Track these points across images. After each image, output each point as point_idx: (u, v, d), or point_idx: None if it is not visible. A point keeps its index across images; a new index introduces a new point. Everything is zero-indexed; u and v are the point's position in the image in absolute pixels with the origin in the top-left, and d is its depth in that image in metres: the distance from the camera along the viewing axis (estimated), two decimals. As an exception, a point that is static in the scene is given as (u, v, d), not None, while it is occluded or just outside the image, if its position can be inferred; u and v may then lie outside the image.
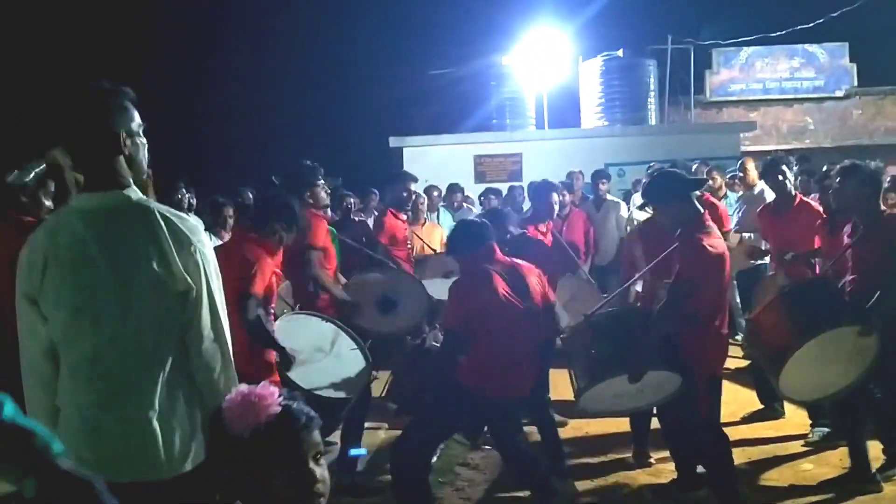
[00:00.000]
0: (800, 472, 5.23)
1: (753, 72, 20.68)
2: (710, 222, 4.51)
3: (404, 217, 7.06)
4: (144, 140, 2.47)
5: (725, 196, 9.09)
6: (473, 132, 14.61)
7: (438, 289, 5.49)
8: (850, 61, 20.55)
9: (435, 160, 13.31)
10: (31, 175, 3.99)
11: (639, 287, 5.87)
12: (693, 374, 4.31)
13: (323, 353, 4.62)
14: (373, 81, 21.82)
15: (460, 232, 4.70)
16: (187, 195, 7.21)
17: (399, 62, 20.76)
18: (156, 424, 2.33)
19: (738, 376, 7.29)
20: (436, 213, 9.49)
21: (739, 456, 5.27)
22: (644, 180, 5.92)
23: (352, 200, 8.87)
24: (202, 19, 22.21)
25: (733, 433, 5.61)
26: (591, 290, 6.52)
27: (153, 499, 2.31)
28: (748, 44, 20.29)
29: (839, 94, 20.57)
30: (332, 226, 6.58)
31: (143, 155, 2.48)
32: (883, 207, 4.87)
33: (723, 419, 5.19)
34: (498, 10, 20.65)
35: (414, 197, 7.80)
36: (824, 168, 6.41)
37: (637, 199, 8.91)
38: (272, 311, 4.46)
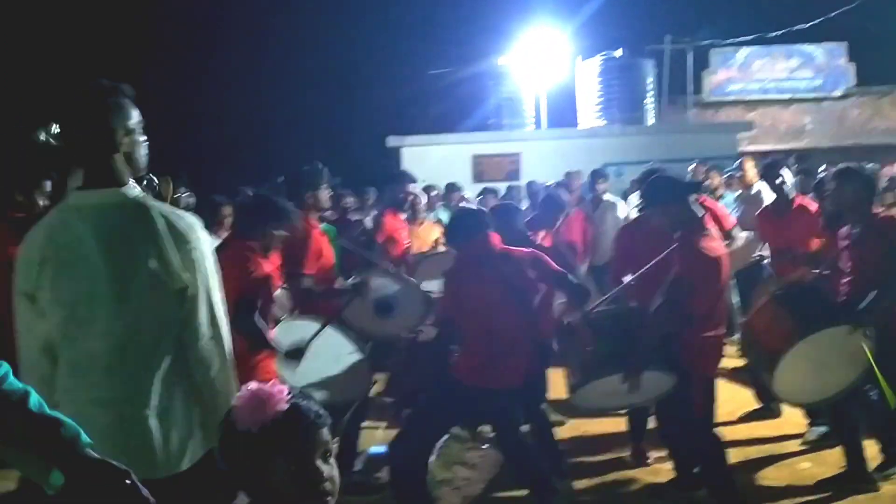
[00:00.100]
0: (797, 471, 5.24)
1: (751, 72, 20.70)
2: (709, 225, 4.54)
3: (403, 217, 7.06)
4: (143, 138, 2.48)
5: (723, 196, 9.10)
6: (472, 132, 14.62)
7: (437, 287, 5.49)
8: (848, 61, 20.58)
9: (433, 160, 13.31)
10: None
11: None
12: (689, 373, 4.33)
13: (322, 358, 4.60)
14: (371, 81, 21.85)
15: (458, 220, 4.73)
16: (185, 194, 7.21)
17: (397, 62, 20.77)
18: (153, 423, 2.32)
19: (735, 376, 7.29)
20: (433, 213, 9.49)
21: (737, 455, 5.27)
22: (635, 179, 5.93)
23: (349, 200, 8.87)
24: (202, 18, 22.21)
25: (731, 432, 5.63)
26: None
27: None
28: (746, 44, 20.32)
29: (837, 94, 20.60)
30: (330, 225, 6.59)
31: (142, 152, 2.48)
32: (878, 210, 4.89)
33: (720, 418, 5.20)
34: (496, 10, 20.67)
35: (412, 197, 7.81)
36: (821, 171, 6.43)
37: (634, 198, 8.91)
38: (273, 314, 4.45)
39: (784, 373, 4.37)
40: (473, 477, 5.36)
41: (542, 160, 13.28)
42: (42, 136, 3.54)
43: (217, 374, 2.43)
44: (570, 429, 6.04)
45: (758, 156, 10.20)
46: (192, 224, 2.42)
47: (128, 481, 1.67)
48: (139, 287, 2.31)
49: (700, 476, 4.73)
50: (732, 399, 6.66)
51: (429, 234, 8.04)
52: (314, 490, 1.70)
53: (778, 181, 5.96)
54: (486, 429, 5.53)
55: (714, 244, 4.40)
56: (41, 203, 4.21)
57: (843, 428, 4.93)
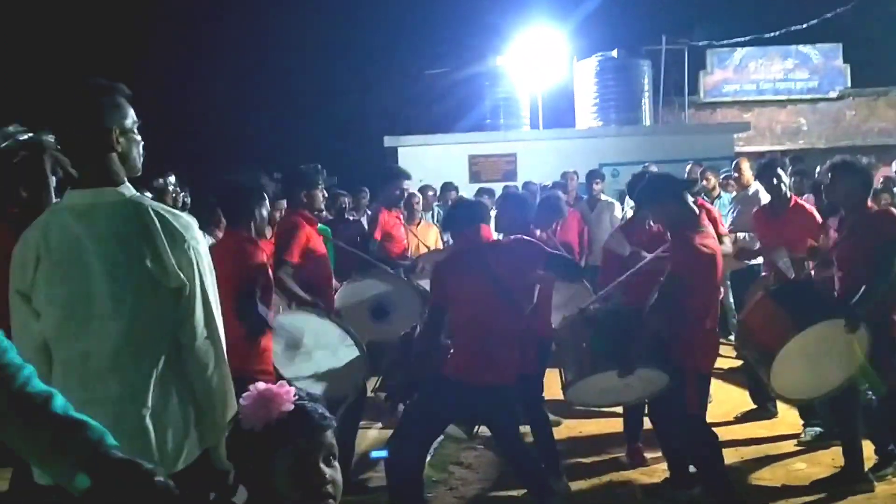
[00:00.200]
0: (792, 471, 5.25)
1: (747, 72, 20.71)
2: (704, 222, 4.55)
3: (399, 214, 7.06)
4: (139, 137, 2.47)
5: (719, 196, 9.12)
6: (468, 132, 14.61)
7: None
8: (844, 62, 20.59)
9: (430, 160, 13.31)
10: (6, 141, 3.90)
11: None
12: (683, 370, 4.35)
13: (319, 350, 4.61)
14: (368, 81, 21.82)
15: (456, 209, 4.82)
16: (181, 194, 7.19)
17: (394, 62, 20.75)
18: (149, 422, 2.32)
19: (730, 376, 7.31)
20: (430, 213, 9.49)
21: (732, 455, 5.29)
22: (628, 182, 5.95)
23: (346, 200, 8.86)
24: (198, 18, 22.18)
25: (726, 433, 5.64)
26: (584, 293, 6.52)
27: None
28: (742, 44, 20.32)
29: (833, 95, 20.62)
30: (327, 226, 6.58)
31: (138, 152, 2.48)
32: (871, 204, 4.91)
33: (716, 419, 5.22)
34: (493, 10, 20.64)
35: (407, 195, 7.81)
36: (817, 171, 6.44)
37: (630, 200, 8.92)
38: (273, 307, 4.45)
39: (780, 369, 4.39)
40: (469, 477, 5.36)
41: (539, 160, 13.29)
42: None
43: (213, 373, 2.42)
44: (565, 429, 6.05)
45: (754, 156, 10.21)
46: (188, 223, 2.42)
47: (157, 480, 1.66)
48: (134, 287, 2.30)
49: (695, 475, 4.74)
50: (728, 399, 6.69)
51: (426, 234, 8.04)
52: (316, 492, 1.71)
53: (774, 181, 5.96)
54: (484, 429, 5.52)
55: (709, 241, 4.42)
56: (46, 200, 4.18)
57: (843, 427, 4.94)
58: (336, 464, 1.76)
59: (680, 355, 4.36)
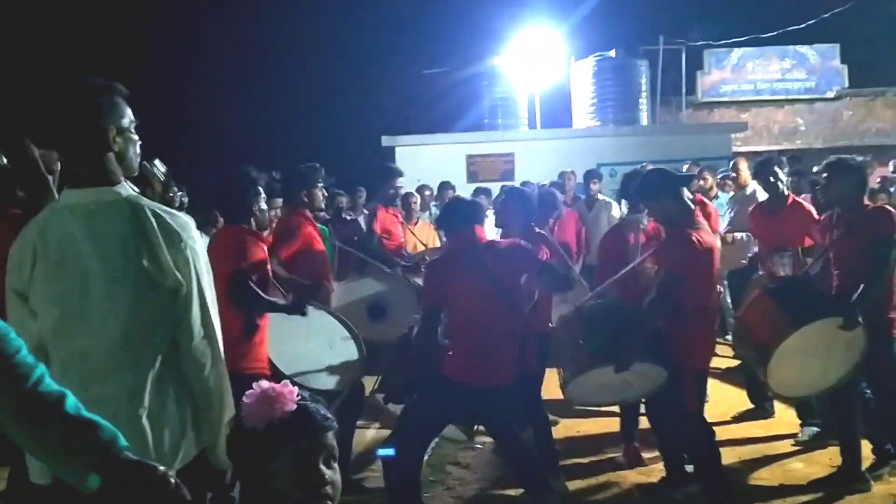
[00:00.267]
0: (789, 471, 5.25)
1: (745, 73, 20.72)
2: (700, 218, 4.57)
3: (396, 213, 7.07)
4: (136, 137, 2.47)
5: (717, 196, 9.12)
6: (466, 132, 14.61)
7: None
8: (841, 62, 20.61)
9: (427, 160, 13.29)
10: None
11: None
12: (680, 367, 4.35)
13: (315, 343, 4.58)
14: (365, 81, 21.81)
15: (451, 209, 4.75)
16: (179, 193, 7.18)
17: (392, 62, 20.72)
18: (145, 422, 2.32)
19: (728, 376, 7.32)
20: (427, 212, 9.49)
21: (729, 455, 5.29)
22: (625, 178, 5.94)
23: (343, 200, 8.86)
24: (196, 17, 22.15)
25: (724, 432, 5.64)
26: (582, 292, 6.52)
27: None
28: (739, 45, 20.33)
29: (830, 95, 20.64)
30: (324, 225, 6.57)
31: (135, 152, 2.47)
32: (867, 202, 4.92)
33: (713, 418, 5.21)
34: (490, 10, 20.63)
35: (403, 194, 7.82)
36: (814, 171, 6.45)
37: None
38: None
39: (777, 366, 4.39)
40: (467, 477, 5.36)
41: (536, 160, 13.28)
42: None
43: (210, 373, 2.42)
44: (562, 429, 6.05)
45: (751, 156, 10.21)
46: (185, 223, 2.42)
47: (169, 482, 1.65)
48: (131, 286, 2.30)
49: (692, 475, 4.74)
50: (725, 399, 6.69)
51: (424, 234, 8.04)
52: (315, 492, 1.71)
53: (771, 178, 5.97)
54: (481, 429, 5.52)
55: (705, 237, 4.42)
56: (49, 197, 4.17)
57: (842, 426, 4.94)
58: (336, 465, 1.76)
59: (677, 352, 4.36)
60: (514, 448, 4.55)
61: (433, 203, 9.93)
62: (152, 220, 2.34)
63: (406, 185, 8.07)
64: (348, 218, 8.53)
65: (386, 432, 4.87)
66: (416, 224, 8.25)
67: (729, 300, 8.02)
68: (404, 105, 17.48)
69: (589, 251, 8.93)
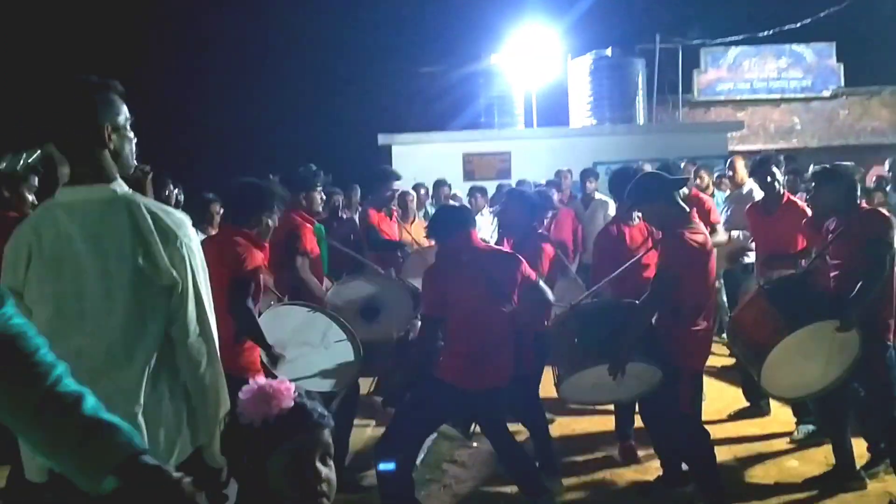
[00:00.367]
0: (785, 469, 5.26)
1: (741, 71, 20.75)
2: (696, 219, 4.56)
3: (386, 215, 7.07)
4: (132, 135, 2.46)
5: (712, 195, 9.12)
6: (462, 130, 14.61)
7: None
8: (837, 61, 20.66)
9: (424, 158, 13.29)
10: (22, 162, 3.95)
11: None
12: (676, 367, 4.35)
13: (310, 345, 4.56)
14: (362, 79, 21.80)
15: (441, 216, 4.72)
16: (175, 191, 7.18)
17: (388, 60, 20.71)
18: (141, 420, 2.31)
19: (724, 374, 7.33)
20: (423, 211, 9.48)
21: (725, 453, 5.30)
22: (613, 176, 5.95)
23: (339, 198, 8.84)
24: (193, 16, 22.12)
25: (719, 431, 5.66)
26: (578, 291, 6.53)
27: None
28: (736, 43, 20.36)
29: (826, 94, 20.68)
30: (320, 223, 6.57)
31: (131, 150, 2.47)
32: (864, 204, 4.92)
33: (709, 417, 5.23)
34: (487, 8, 20.65)
35: (400, 195, 7.80)
36: (811, 168, 6.44)
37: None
38: (259, 307, 4.43)
39: (772, 367, 4.40)
40: (463, 475, 5.37)
41: (533, 159, 13.29)
42: (4, 164, 3.54)
43: (205, 370, 2.41)
44: (558, 427, 6.05)
45: (747, 155, 10.22)
46: (181, 220, 2.41)
47: (184, 488, 1.63)
48: (126, 284, 2.29)
49: (688, 473, 4.75)
50: (721, 397, 6.70)
51: (420, 233, 8.03)
52: (311, 490, 1.71)
53: (768, 178, 5.97)
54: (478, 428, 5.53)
55: (701, 237, 4.43)
56: (30, 199, 4.18)
57: (831, 425, 4.95)
58: (331, 463, 1.76)
59: (673, 352, 4.37)
60: (508, 448, 4.56)
61: (429, 202, 9.92)
62: (148, 217, 2.33)
63: (402, 183, 8.05)
64: (344, 217, 8.52)
65: (381, 430, 4.87)
66: (412, 223, 8.24)
67: (725, 298, 8.03)
68: (401, 103, 17.47)
69: (585, 250, 8.94)
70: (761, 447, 5.67)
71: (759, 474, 5.20)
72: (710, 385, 6.68)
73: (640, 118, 15.59)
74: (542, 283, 4.72)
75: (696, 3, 20.51)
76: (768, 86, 20.75)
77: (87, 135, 2.34)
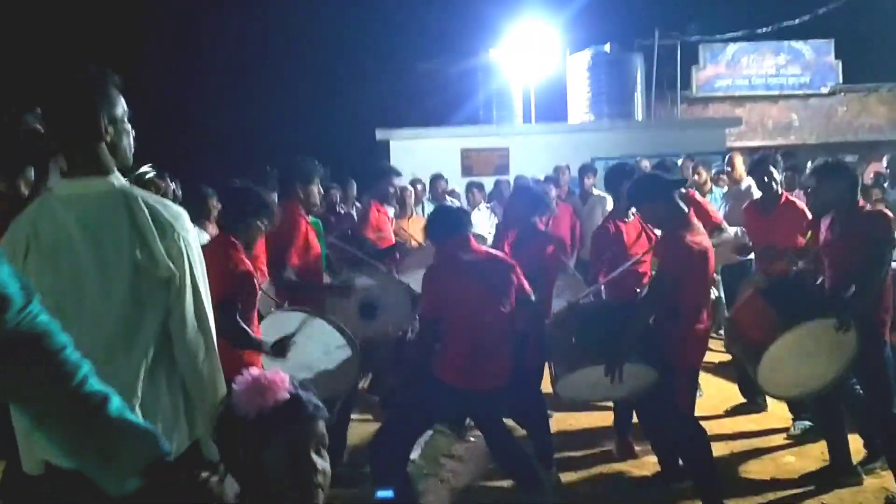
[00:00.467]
0: (782, 464, 5.27)
1: (740, 68, 20.75)
2: (694, 220, 4.56)
3: (387, 211, 7.04)
4: (130, 127, 2.46)
5: (711, 191, 9.13)
6: (461, 125, 14.61)
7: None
8: (836, 58, 20.66)
9: (422, 153, 13.29)
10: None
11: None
12: (673, 366, 4.36)
13: (312, 352, 4.55)
14: (360, 74, 21.78)
15: (438, 218, 4.70)
16: (172, 186, 7.18)
17: (386, 55, 20.72)
18: (138, 413, 2.30)
19: (721, 370, 7.34)
20: (420, 207, 9.48)
21: (722, 449, 5.31)
22: (608, 172, 5.96)
23: (337, 194, 8.84)
24: (191, 12, 22.09)
25: (716, 426, 5.66)
26: (577, 286, 6.54)
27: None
28: (734, 40, 20.36)
29: (824, 90, 20.69)
30: (317, 219, 6.56)
31: (129, 142, 2.46)
32: (862, 203, 4.90)
33: (706, 412, 5.24)
34: (485, 3, 20.62)
35: (399, 191, 7.79)
36: (809, 164, 6.44)
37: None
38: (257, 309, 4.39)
39: (768, 365, 4.40)
40: (461, 469, 5.37)
41: (531, 154, 13.29)
42: (32, 122, 3.49)
43: (203, 364, 2.41)
44: (555, 422, 6.04)
45: (745, 151, 10.23)
46: (178, 214, 2.41)
47: (212, 487, 1.62)
48: (123, 276, 2.28)
49: (685, 468, 4.76)
50: (718, 393, 6.71)
51: (417, 228, 8.03)
52: (306, 481, 1.71)
53: (765, 178, 5.97)
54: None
55: (700, 238, 4.42)
56: (24, 191, 4.15)
57: (827, 421, 4.96)
58: (325, 454, 1.76)
59: (671, 352, 4.37)
60: (504, 446, 4.56)
61: (426, 197, 9.92)
62: (145, 210, 2.32)
63: (399, 180, 8.04)
64: (342, 212, 8.51)
65: (377, 427, 4.87)
66: (409, 219, 8.24)
67: (723, 295, 8.03)
68: (399, 98, 17.48)
69: (583, 246, 8.93)
70: (758, 443, 5.68)
71: (756, 470, 5.21)
72: (707, 381, 6.69)
73: (639, 114, 15.60)
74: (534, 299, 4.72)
75: (695, -1, 20.52)
76: (767, 82, 20.76)
77: (84, 127, 2.33)
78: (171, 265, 2.32)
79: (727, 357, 7.28)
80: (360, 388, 5.96)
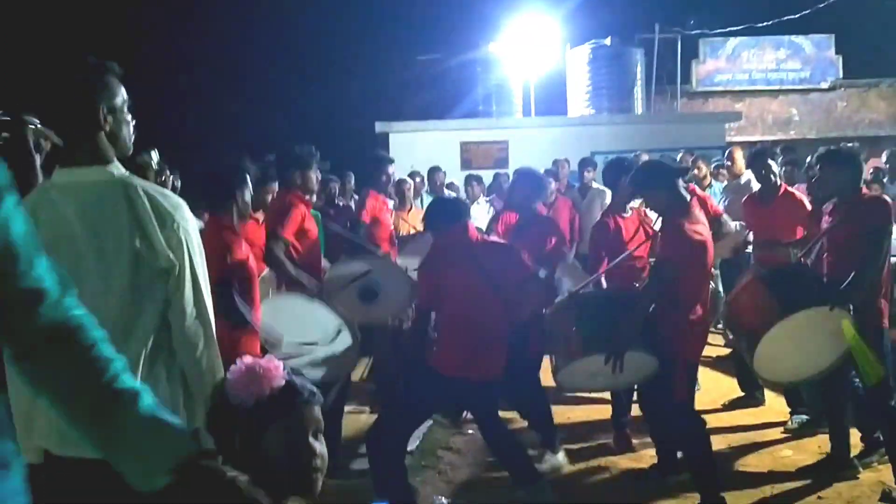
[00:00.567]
0: (779, 458, 5.29)
1: (740, 62, 20.72)
2: (695, 209, 4.56)
3: (386, 201, 7.04)
4: (129, 117, 2.45)
5: (710, 185, 9.12)
6: (460, 119, 14.59)
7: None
8: (836, 53, 20.64)
9: (421, 146, 13.27)
10: None
11: None
12: (672, 357, 4.36)
13: (310, 338, 4.55)
14: (360, 67, 21.76)
15: (436, 207, 4.72)
16: (171, 176, 7.16)
17: (386, 48, 20.68)
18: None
19: (719, 364, 7.35)
20: (419, 199, 9.47)
21: (720, 442, 5.32)
22: (607, 166, 5.96)
23: (335, 186, 8.83)
24: (190, 3, 22.07)
25: (714, 420, 5.67)
26: (578, 274, 6.53)
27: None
28: (735, 34, 20.33)
29: (824, 85, 20.67)
30: (317, 210, 6.55)
31: (128, 132, 2.45)
32: (865, 191, 4.91)
33: (704, 406, 5.24)
34: (486, -4, 20.59)
35: (397, 181, 7.78)
36: (808, 159, 6.44)
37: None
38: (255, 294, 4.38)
39: (765, 352, 4.40)
40: (458, 462, 5.38)
41: (531, 148, 13.27)
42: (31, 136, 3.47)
43: (202, 353, 2.41)
44: (553, 415, 6.06)
45: (745, 146, 10.23)
46: (177, 203, 2.40)
47: (240, 488, 1.61)
48: (122, 266, 2.28)
49: (683, 461, 4.77)
50: (716, 387, 6.72)
51: (417, 221, 8.03)
52: (305, 467, 1.72)
53: (763, 171, 5.97)
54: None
55: (700, 228, 4.43)
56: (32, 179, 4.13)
57: (831, 413, 4.97)
58: (322, 438, 1.77)
59: (670, 342, 4.37)
60: (500, 438, 4.57)
61: (424, 190, 9.91)
62: (144, 200, 2.32)
63: (399, 171, 8.03)
64: (341, 204, 8.51)
65: (375, 417, 4.87)
66: (409, 211, 8.24)
67: (721, 290, 8.04)
68: (399, 91, 17.44)
69: (582, 239, 8.92)
70: (755, 436, 5.69)
71: (753, 463, 5.22)
72: (706, 374, 6.70)
73: (639, 108, 15.58)
74: (540, 277, 4.72)
75: (696, -7, 20.47)
76: (767, 77, 20.73)
77: (84, 116, 2.33)
78: (171, 255, 2.32)
79: (725, 351, 7.30)
80: (361, 377, 5.96)
